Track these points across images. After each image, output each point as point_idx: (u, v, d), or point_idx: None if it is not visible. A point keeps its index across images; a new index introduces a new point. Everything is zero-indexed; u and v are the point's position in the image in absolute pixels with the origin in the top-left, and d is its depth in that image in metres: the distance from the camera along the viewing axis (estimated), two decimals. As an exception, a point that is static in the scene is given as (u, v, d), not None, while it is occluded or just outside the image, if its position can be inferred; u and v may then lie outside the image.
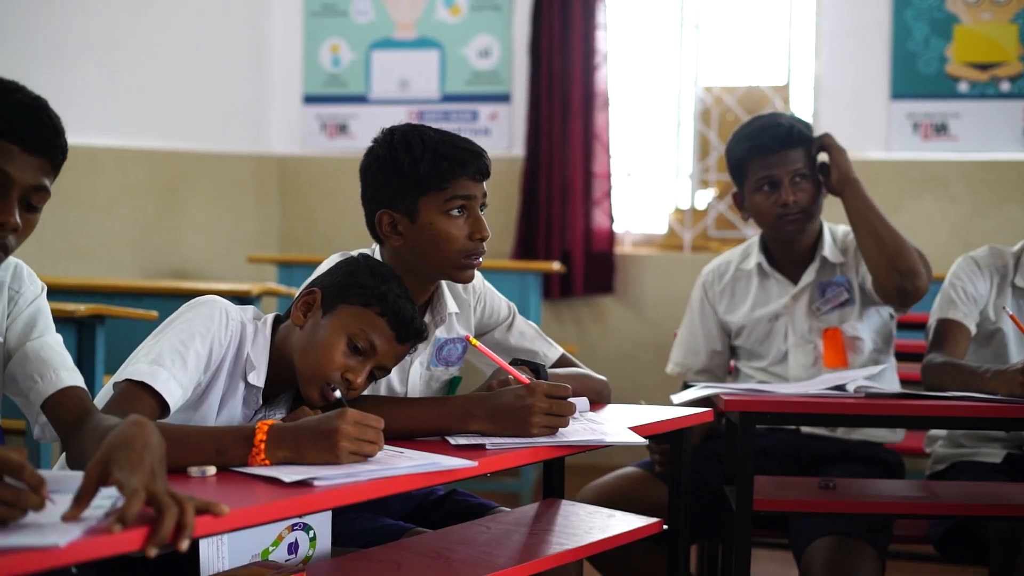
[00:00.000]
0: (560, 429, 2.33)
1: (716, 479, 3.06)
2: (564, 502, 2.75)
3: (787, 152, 3.35)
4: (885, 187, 6.21)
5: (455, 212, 2.57)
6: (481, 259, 2.63)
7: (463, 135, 2.66)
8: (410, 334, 2.38)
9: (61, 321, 3.50)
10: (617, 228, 6.84)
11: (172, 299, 3.79)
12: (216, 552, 2.16)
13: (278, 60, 7.22)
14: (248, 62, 7.12)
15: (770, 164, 3.36)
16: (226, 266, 6.79)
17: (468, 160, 2.59)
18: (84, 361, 3.61)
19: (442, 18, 7.00)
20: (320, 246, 6.68)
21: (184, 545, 1.59)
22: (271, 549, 2.24)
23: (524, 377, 2.39)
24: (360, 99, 7.10)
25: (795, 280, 3.47)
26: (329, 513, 2.34)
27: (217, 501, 1.68)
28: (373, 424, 2.04)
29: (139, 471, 1.63)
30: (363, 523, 2.63)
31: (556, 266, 6.01)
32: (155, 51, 6.51)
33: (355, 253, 2.62)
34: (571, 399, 2.41)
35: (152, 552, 1.57)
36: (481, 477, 2.22)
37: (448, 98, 6.97)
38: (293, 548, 2.28)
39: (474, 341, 2.49)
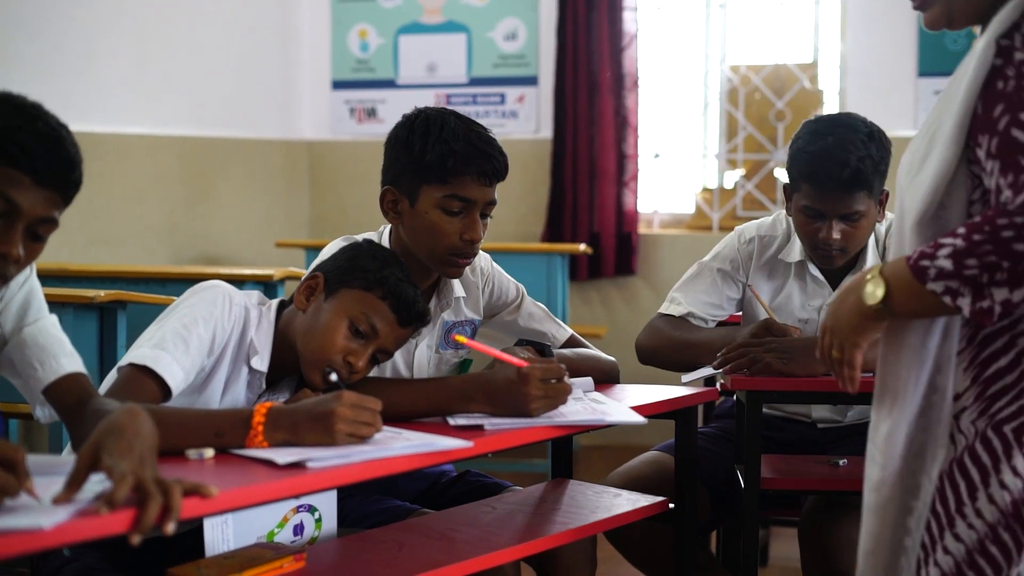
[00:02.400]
0: (561, 408, 2.33)
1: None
2: (572, 482, 2.76)
3: (841, 196, 2.99)
4: (914, 164, 6.17)
5: (452, 210, 2.58)
6: (471, 260, 2.63)
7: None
8: (412, 318, 2.40)
9: (82, 307, 3.57)
10: (645, 209, 6.83)
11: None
12: (221, 533, 2.19)
13: (306, 46, 7.25)
14: (277, 48, 7.15)
15: (820, 199, 3.02)
16: (257, 252, 6.83)
17: (475, 160, 2.58)
18: (106, 347, 3.65)
19: (468, 1, 7.00)
20: (350, 231, 6.61)
21: (170, 528, 1.62)
22: (276, 531, 2.27)
23: (516, 360, 2.37)
24: (388, 84, 7.12)
25: (834, 284, 3.24)
26: (334, 494, 2.36)
27: (208, 483, 1.70)
28: (370, 406, 2.05)
29: (128, 457, 1.65)
30: (371, 504, 2.66)
31: (582, 247, 6.01)
32: (184, 39, 6.55)
33: (359, 237, 2.65)
34: (575, 379, 2.42)
35: (136, 539, 1.59)
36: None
37: (475, 81, 6.96)
38: (299, 529, 2.31)
39: (461, 338, 2.49)
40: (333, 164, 7.23)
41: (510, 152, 2.68)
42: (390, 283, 2.37)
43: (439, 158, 2.56)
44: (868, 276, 1.96)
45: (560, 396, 2.31)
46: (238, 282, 4.20)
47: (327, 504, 2.35)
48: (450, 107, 2.70)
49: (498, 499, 2.60)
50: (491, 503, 2.56)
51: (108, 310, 3.64)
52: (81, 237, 5.80)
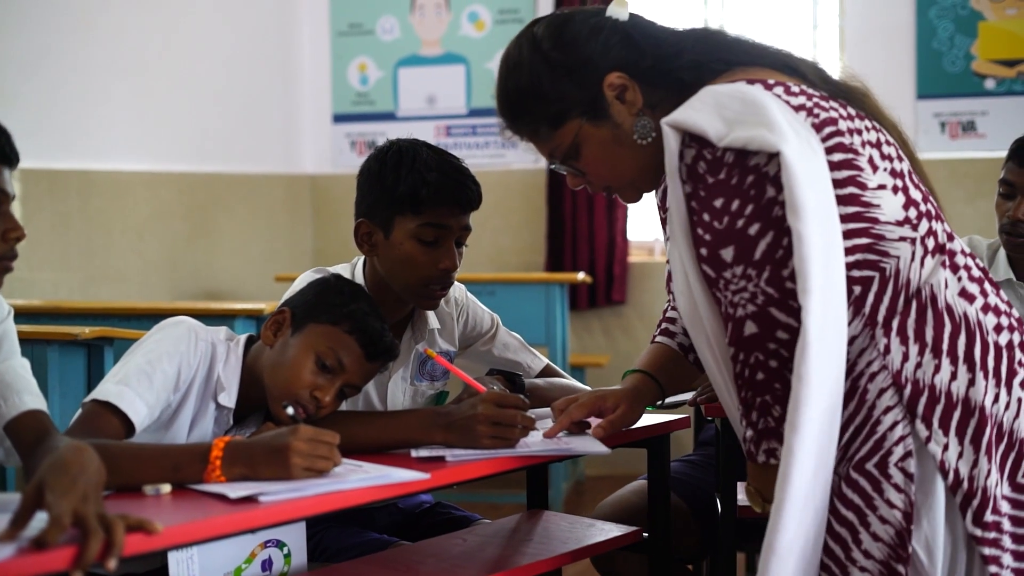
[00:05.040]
0: (526, 439, 2.31)
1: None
2: (547, 513, 2.74)
3: None
4: (913, 187, 6.15)
5: (427, 239, 2.58)
6: (447, 290, 2.64)
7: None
8: (379, 352, 2.39)
9: (68, 345, 3.57)
10: (647, 237, 6.82)
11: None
12: (186, 569, 2.17)
13: (307, 80, 7.29)
14: (277, 83, 7.18)
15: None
16: (259, 286, 6.85)
17: (449, 190, 2.59)
18: (93, 384, 3.63)
19: (467, 33, 7.03)
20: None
21: (112, 565, 1.61)
22: (244, 566, 2.26)
23: (476, 383, 2.38)
24: (388, 116, 7.14)
25: None
26: (303, 528, 2.35)
27: (152, 519, 1.70)
28: (327, 440, 2.04)
29: (70, 495, 1.64)
30: (351, 537, 2.65)
31: (581, 276, 6.00)
32: (184, 74, 6.59)
33: (330, 270, 2.65)
34: (545, 409, 2.40)
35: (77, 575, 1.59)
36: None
37: (475, 112, 6.97)
38: (267, 565, 2.29)
39: (431, 352, 2.50)
40: (335, 197, 7.26)
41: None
42: (356, 317, 2.37)
43: (412, 188, 2.57)
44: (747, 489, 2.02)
45: (513, 430, 2.28)
46: (229, 317, 4.23)
47: (296, 538, 2.33)
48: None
49: (470, 531, 2.58)
50: (462, 535, 2.55)
51: (95, 347, 3.65)
52: (81, 274, 5.82)
